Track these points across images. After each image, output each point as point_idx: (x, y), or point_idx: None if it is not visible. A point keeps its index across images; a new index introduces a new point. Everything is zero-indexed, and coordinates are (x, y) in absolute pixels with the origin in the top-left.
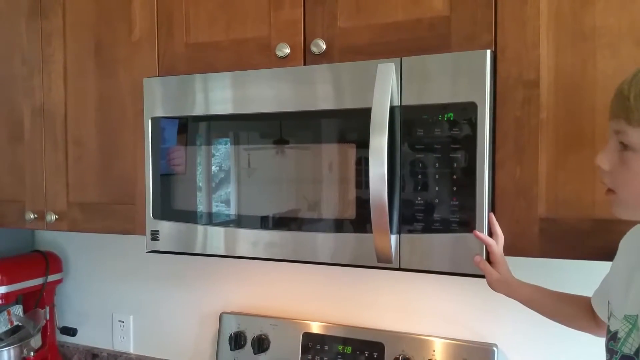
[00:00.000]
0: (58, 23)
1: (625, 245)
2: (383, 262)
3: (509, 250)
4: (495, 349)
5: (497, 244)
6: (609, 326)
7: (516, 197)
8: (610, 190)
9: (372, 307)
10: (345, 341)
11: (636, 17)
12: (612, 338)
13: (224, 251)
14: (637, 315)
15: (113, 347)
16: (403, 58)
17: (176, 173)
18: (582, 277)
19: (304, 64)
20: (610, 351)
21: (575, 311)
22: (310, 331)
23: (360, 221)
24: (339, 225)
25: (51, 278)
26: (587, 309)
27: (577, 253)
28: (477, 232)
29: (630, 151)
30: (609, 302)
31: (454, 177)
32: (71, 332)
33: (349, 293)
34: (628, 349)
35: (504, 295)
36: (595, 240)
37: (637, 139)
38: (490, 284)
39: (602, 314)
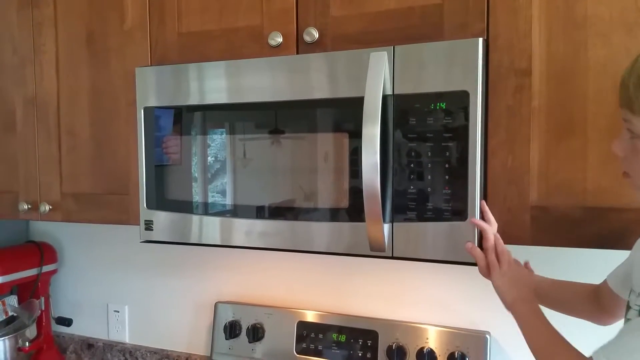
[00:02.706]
0: (49, 12)
1: None
2: (376, 251)
3: (501, 238)
4: (488, 336)
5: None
6: (628, 301)
7: (508, 186)
8: (626, 173)
9: (366, 295)
10: (339, 329)
11: (627, 5)
12: None
13: (219, 241)
14: None
15: (108, 337)
16: (395, 47)
17: (170, 163)
18: (575, 264)
19: (297, 53)
20: None
21: (571, 298)
22: (305, 320)
23: (354, 210)
24: (332, 215)
25: (46, 268)
26: (586, 296)
27: (569, 241)
28: (474, 219)
29: (638, 139)
30: (632, 290)
31: (447, 165)
32: (66, 322)
33: (344, 282)
34: None
35: None
36: (587, 228)
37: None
38: (481, 270)
39: (623, 294)
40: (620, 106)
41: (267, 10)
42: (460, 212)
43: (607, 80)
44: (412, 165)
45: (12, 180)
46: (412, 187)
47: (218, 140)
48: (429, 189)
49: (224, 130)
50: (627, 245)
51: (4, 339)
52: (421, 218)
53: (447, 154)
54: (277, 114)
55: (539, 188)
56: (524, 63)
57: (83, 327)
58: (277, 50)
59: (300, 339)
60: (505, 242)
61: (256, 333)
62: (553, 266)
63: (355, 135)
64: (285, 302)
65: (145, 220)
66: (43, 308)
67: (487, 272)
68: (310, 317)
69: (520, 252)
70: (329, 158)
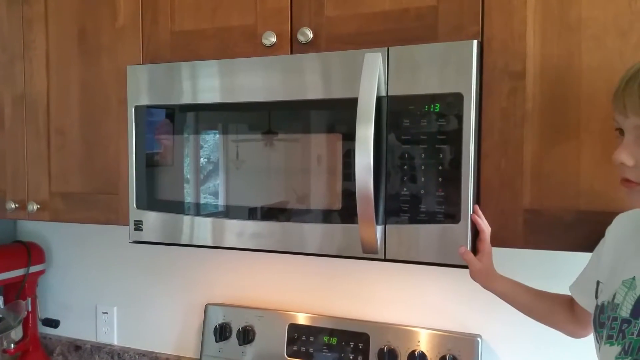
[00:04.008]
0: (40, 9)
1: (618, 226)
2: (368, 253)
3: (494, 240)
4: (479, 339)
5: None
6: (597, 302)
7: (501, 188)
8: (630, 182)
9: (358, 298)
10: (331, 332)
11: (621, 9)
12: (602, 311)
13: (210, 242)
14: (634, 277)
15: (96, 339)
16: (390, 48)
17: (160, 163)
18: (567, 268)
19: (291, 53)
20: (602, 324)
21: (550, 307)
22: (296, 322)
23: (347, 212)
24: (325, 216)
25: (33, 269)
26: (563, 306)
27: (561, 244)
28: (475, 216)
29: None
30: (598, 282)
31: (440, 168)
32: (53, 323)
33: (335, 284)
34: (625, 312)
35: None
36: (579, 232)
37: None
38: (472, 274)
39: (584, 300)
40: (627, 115)
41: (261, 10)
42: (453, 215)
43: (600, 83)
44: (405, 167)
45: None
46: (405, 189)
47: (210, 140)
48: (422, 191)
49: (216, 130)
50: None
51: None
52: (414, 220)
53: (441, 156)
54: (270, 114)
55: (532, 191)
56: (518, 65)
57: (70, 328)
58: (271, 50)
59: (291, 341)
60: (498, 245)
61: (246, 335)
62: (545, 269)
63: (349, 136)
64: (276, 304)
65: (135, 221)
66: (30, 309)
67: (478, 277)
68: (302, 319)
69: (512, 255)
70: (322, 159)
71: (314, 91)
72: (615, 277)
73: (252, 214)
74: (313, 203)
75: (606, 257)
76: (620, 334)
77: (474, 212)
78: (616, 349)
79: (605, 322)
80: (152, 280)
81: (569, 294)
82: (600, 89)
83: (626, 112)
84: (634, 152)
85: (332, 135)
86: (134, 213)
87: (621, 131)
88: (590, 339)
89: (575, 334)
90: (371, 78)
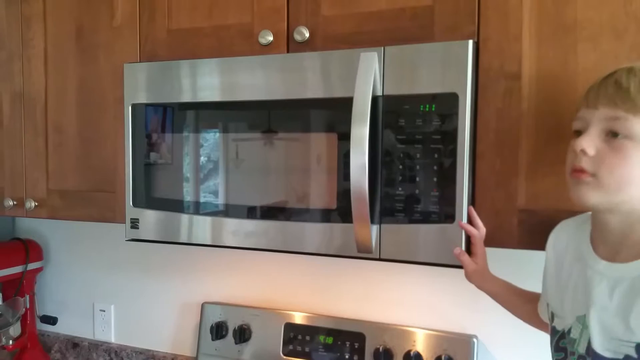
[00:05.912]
0: (38, 7)
1: (554, 245)
2: (363, 252)
3: (488, 241)
4: (475, 340)
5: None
6: (554, 326)
7: (496, 189)
8: (583, 172)
9: (354, 297)
10: (327, 332)
11: (616, 10)
12: (562, 337)
13: (207, 240)
14: (584, 315)
15: (94, 336)
16: (386, 47)
17: (157, 161)
18: None
19: (287, 52)
20: (562, 349)
21: (534, 309)
22: (292, 322)
23: (342, 211)
24: (321, 215)
25: (31, 266)
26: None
27: None
28: (462, 223)
29: (626, 139)
30: (547, 304)
31: (435, 168)
32: (51, 321)
33: (332, 283)
34: (582, 349)
35: None
36: None
37: (638, 129)
38: (466, 275)
39: (544, 317)
40: (598, 106)
41: (257, 9)
42: (447, 215)
43: None
44: (400, 167)
45: None
46: (400, 189)
47: (206, 138)
48: (417, 191)
49: (213, 128)
50: None
51: None
52: (409, 220)
53: (436, 156)
54: (268, 113)
55: (527, 191)
56: (514, 66)
57: (68, 326)
58: (268, 48)
59: (287, 340)
60: (492, 245)
61: (243, 334)
62: (539, 270)
63: (345, 136)
64: (272, 303)
65: (131, 219)
66: (28, 306)
67: (473, 277)
68: (298, 318)
69: (506, 256)
70: (319, 158)
71: (312, 90)
72: (566, 307)
73: (248, 212)
74: (310, 202)
75: (549, 278)
76: None
77: (468, 213)
78: None
79: (566, 354)
80: (149, 278)
81: None
82: None
83: (597, 103)
84: (597, 144)
85: (329, 135)
86: (130, 211)
87: (578, 133)
88: None
89: None
90: (366, 78)
